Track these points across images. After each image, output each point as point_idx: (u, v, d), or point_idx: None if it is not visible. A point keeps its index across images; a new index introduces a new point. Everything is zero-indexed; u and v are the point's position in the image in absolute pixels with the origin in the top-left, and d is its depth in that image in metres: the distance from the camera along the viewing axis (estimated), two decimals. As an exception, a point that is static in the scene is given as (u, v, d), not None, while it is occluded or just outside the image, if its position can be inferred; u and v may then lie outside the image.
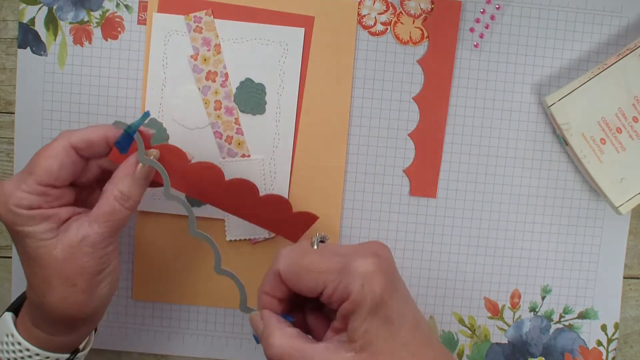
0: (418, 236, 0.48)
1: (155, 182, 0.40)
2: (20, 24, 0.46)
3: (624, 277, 0.49)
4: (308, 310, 0.38)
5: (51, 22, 0.46)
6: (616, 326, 0.49)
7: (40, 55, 0.46)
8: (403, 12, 0.46)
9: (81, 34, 0.46)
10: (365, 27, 0.47)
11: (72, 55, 0.46)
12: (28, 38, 0.46)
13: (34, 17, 0.46)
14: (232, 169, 0.46)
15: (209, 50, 0.46)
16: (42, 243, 0.36)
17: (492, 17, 0.47)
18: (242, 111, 0.46)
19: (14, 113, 0.47)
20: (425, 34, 0.47)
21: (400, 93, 0.47)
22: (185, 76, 0.46)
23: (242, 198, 0.42)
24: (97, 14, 0.46)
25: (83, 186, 0.40)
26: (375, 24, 0.47)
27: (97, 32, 0.46)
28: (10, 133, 0.48)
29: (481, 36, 0.47)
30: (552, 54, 0.47)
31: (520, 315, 0.49)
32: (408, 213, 0.48)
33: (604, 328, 0.49)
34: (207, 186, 0.41)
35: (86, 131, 0.38)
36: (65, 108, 0.47)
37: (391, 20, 0.47)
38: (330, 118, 0.47)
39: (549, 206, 0.48)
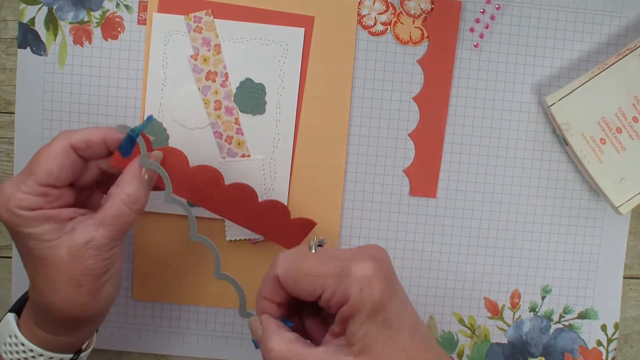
0: (418, 236, 0.48)
1: (156, 187, 0.40)
2: (20, 24, 0.46)
3: (624, 277, 0.49)
4: (307, 314, 0.38)
5: (51, 22, 0.46)
6: (616, 326, 0.49)
7: (40, 55, 0.46)
8: (403, 12, 0.46)
9: (81, 34, 0.46)
10: (365, 27, 0.47)
11: (72, 55, 0.46)
12: (28, 38, 0.46)
13: (34, 17, 0.46)
14: (232, 169, 0.46)
15: (209, 50, 0.46)
16: (47, 244, 0.36)
17: (492, 17, 0.47)
18: (242, 111, 0.46)
19: (14, 113, 0.47)
20: (425, 34, 0.47)
21: (400, 93, 0.47)
22: (185, 76, 0.46)
23: (241, 203, 0.42)
24: (97, 14, 0.46)
25: (82, 187, 0.40)
26: (375, 24, 0.47)
27: (97, 32, 0.46)
28: (10, 133, 0.48)
29: (481, 36, 0.47)
30: (552, 54, 0.47)
31: (520, 315, 0.49)
32: (408, 213, 0.48)
33: (604, 328, 0.49)
34: (207, 190, 0.41)
35: (86, 132, 0.38)
36: (65, 108, 0.47)
37: (391, 20, 0.47)
38: (330, 118, 0.47)
39: (549, 206, 0.48)
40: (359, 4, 0.46)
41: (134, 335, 0.49)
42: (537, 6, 0.47)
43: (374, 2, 0.46)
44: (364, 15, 0.46)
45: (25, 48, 0.46)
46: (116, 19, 0.46)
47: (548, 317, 0.49)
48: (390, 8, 0.46)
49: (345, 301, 0.33)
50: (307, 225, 0.44)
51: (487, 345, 0.49)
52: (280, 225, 0.43)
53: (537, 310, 0.49)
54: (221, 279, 0.39)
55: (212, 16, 0.46)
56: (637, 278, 0.49)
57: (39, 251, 0.36)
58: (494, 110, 0.47)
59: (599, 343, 0.49)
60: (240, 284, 0.39)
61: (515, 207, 0.48)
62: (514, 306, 0.49)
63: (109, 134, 0.38)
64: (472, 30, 0.47)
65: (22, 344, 0.38)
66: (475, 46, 0.47)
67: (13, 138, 0.47)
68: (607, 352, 0.49)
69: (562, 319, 0.49)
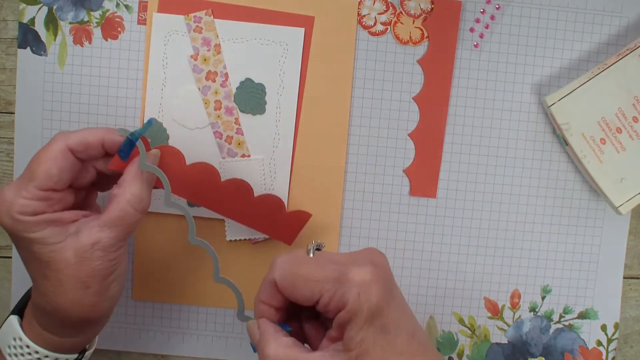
0: (418, 236, 0.48)
1: (155, 185, 0.40)
2: (20, 24, 0.46)
3: (624, 277, 0.49)
4: (305, 318, 0.38)
5: (51, 22, 0.46)
6: (616, 326, 0.49)
7: (40, 55, 0.46)
8: (403, 12, 0.46)
9: (81, 34, 0.46)
10: (365, 27, 0.47)
11: (72, 55, 0.46)
12: (28, 38, 0.46)
13: (34, 17, 0.46)
14: (232, 169, 0.46)
15: (209, 50, 0.46)
16: (51, 247, 0.36)
17: (492, 17, 0.47)
18: (242, 111, 0.46)
19: (14, 113, 0.47)
20: (425, 34, 0.47)
21: (400, 93, 0.47)
22: (185, 76, 0.46)
23: (238, 198, 0.42)
24: (97, 14, 0.46)
25: (79, 188, 0.40)
26: (375, 24, 0.47)
27: (97, 32, 0.46)
28: (10, 133, 0.48)
29: (481, 36, 0.47)
30: (552, 54, 0.47)
31: (520, 315, 0.49)
32: (408, 213, 0.48)
33: (604, 328, 0.49)
34: (204, 187, 0.41)
35: (83, 133, 0.38)
36: (65, 108, 0.47)
37: (391, 20, 0.47)
38: (330, 118, 0.47)
39: (549, 206, 0.48)
40: (359, 4, 0.46)
41: (134, 335, 0.49)
42: (537, 6, 0.47)
43: (374, 2, 0.46)
44: (364, 15, 0.46)
45: (25, 48, 0.46)
46: (116, 19, 0.46)
47: (548, 317, 0.49)
48: (390, 8, 0.46)
49: (343, 306, 0.32)
50: (302, 217, 0.44)
51: (487, 345, 0.49)
52: (276, 219, 0.44)
53: (537, 310, 0.49)
54: (220, 282, 0.39)
55: (212, 16, 0.46)
56: (637, 278, 0.49)
57: (45, 255, 0.36)
58: (494, 110, 0.47)
59: (599, 343, 0.49)
60: (238, 287, 0.39)
61: (515, 207, 0.48)
62: (514, 306, 0.49)
63: (107, 136, 0.38)
64: (472, 30, 0.47)
65: (28, 346, 0.38)
66: (475, 46, 0.47)
67: (13, 138, 0.47)
68: (607, 352, 0.49)
69: (562, 319, 0.49)
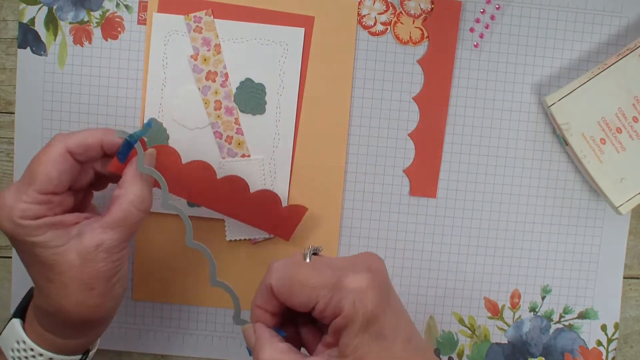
0: (418, 236, 0.48)
1: (155, 185, 0.40)
2: (20, 24, 0.46)
3: (624, 277, 0.49)
4: (301, 322, 0.38)
5: (51, 22, 0.46)
6: (616, 326, 0.49)
7: (40, 55, 0.46)
8: (403, 12, 0.46)
9: (81, 34, 0.46)
10: (365, 27, 0.47)
11: (72, 55, 0.46)
12: (28, 38, 0.46)
13: (34, 17, 0.46)
14: (232, 169, 0.46)
15: (209, 50, 0.46)
16: (54, 250, 0.36)
17: (492, 17, 0.47)
18: (242, 111, 0.46)
19: (14, 113, 0.47)
20: (425, 34, 0.47)
21: (400, 93, 0.47)
22: (185, 76, 0.46)
23: (234, 195, 0.42)
24: (97, 14, 0.46)
25: (77, 190, 0.40)
26: (375, 24, 0.47)
27: (97, 32, 0.46)
28: (10, 133, 0.48)
29: (481, 36, 0.47)
30: (552, 54, 0.47)
31: (520, 315, 0.49)
32: (408, 213, 0.48)
33: (604, 328, 0.49)
34: (201, 185, 0.41)
35: (82, 135, 0.38)
36: (65, 108, 0.47)
37: (391, 20, 0.47)
38: (330, 118, 0.47)
39: (549, 206, 0.48)
40: (359, 4, 0.46)
41: (134, 335, 0.49)
42: (537, 6, 0.47)
43: (374, 2, 0.46)
44: (364, 15, 0.46)
45: (25, 48, 0.46)
46: (116, 19, 0.46)
47: (548, 317, 0.49)
48: (390, 8, 0.46)
49: (339, 313, 0.32)
50: (298, 212, 0.44)
51: (487, 345, 0.49)
52: (272, 215, 0.44)
53: (537, 310, 0.49)
54: (216, 286, 0.39)
55: (212, 16, 0.46)
56: (637, 278, 0.49)
57: (48, 258, 0.36)
58: (494, 110, 0.47)
59: (599, 343, 0.49)
60: (235, 290, 0.39)
61: (515, 207, 0.48)
62: (514, 306, 0.49)
63: (106, 137, 0.38)
64: (472, 30, 0.47)
65: (32, 349, 0.38)
66: (475, 46, 0.47)
67: (13, 138, 0.47)
68: (607, 352, 0.49)
69: (562, 319, 0.49)
